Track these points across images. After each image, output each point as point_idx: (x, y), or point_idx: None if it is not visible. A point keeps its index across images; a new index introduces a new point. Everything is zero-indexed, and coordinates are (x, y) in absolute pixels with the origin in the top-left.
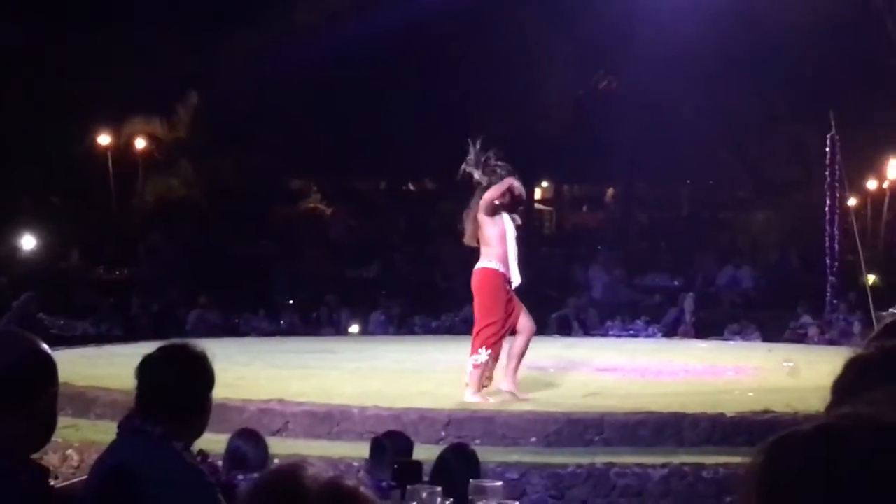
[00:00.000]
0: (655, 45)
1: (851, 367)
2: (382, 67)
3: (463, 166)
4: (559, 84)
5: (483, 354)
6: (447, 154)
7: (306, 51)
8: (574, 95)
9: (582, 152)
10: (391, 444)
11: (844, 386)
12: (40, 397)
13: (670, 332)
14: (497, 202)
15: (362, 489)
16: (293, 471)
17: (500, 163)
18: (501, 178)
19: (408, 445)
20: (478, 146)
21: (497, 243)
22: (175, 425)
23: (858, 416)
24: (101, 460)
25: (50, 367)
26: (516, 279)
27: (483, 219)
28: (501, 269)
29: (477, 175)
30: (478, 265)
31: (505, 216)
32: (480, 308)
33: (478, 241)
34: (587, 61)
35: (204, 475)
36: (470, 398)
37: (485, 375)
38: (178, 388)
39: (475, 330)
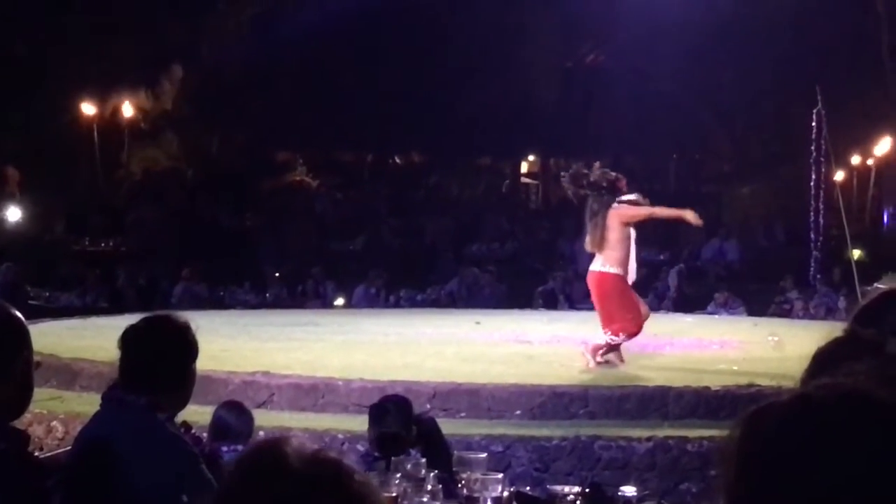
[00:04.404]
0: (642, 19)
1: (837, 342)
2: (369, 41)
3: (566, 187)
4: (546, 57)
5: (621, 338)
6: (434, 127)
7: (293, 23)
8: (561, 69)
9: (569, 126)
10: (394, 408)
11: (825, 358)
12: (14, 362)
13: (656, 305)
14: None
15: (346, 462)
16: (276, 445)
17: (599, 179)
18: (603, 193)
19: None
20: (574, 170)
21: (620, 247)
22: (158, 396)
23: (836, 386)
24: (85, 431)
25: (21, 331)
26: (632, 278)
27: (616, 225)
28: (619, 272)
29: (570, 193)
30: (595, 268)
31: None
32: (608, 311)
33: (599, 245)
34: (574, 35)
35: (187, 445)
36: (591, 364)
37: (618, 356)
38: (161, 359)
39: (609, 322)
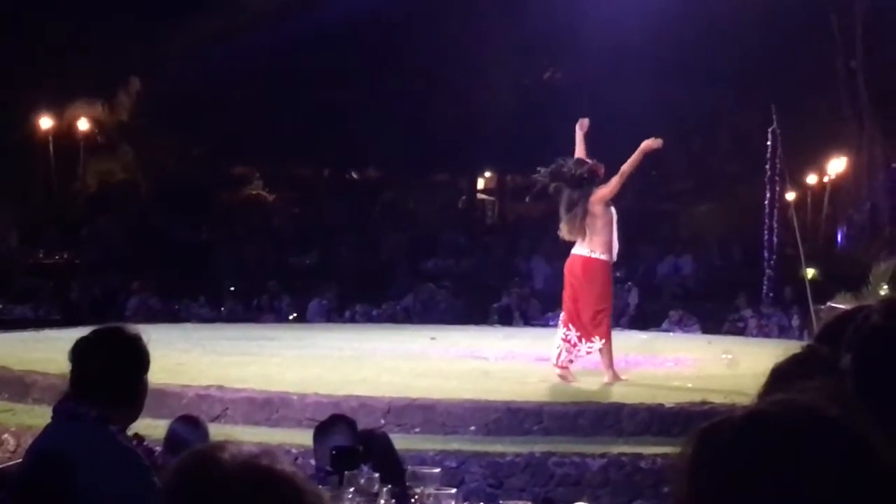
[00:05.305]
0: (601, 37)
1: (794, 359)
2: (327, 56)
3: (540, 179)
4: (504, 74)
5: (597, 342)
6: (391, 143)
7: (252, 38)
8: (519, 86)
9: (526, 143)
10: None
11: (782, 375)
12: None
13: (614, 322)
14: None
15: (279, 467)
16: (209, 450)
17: (574, 169)
18: (581, 181)
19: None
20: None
21: (605, 231)
22: (110, 408)
23: (788, 403)
24: (36, 443)
25: None
26: (614, 258)
27: (600, 210)
28: (606, 258)
29: (545, 180)
30: (582, 252)
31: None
32: (589, 296)
33: (579, 234)
34: (532, 52)
35: (139, 458)
36: (610, 379)
37: (570, 373)
38: (111, 371)
39: (583, 315)
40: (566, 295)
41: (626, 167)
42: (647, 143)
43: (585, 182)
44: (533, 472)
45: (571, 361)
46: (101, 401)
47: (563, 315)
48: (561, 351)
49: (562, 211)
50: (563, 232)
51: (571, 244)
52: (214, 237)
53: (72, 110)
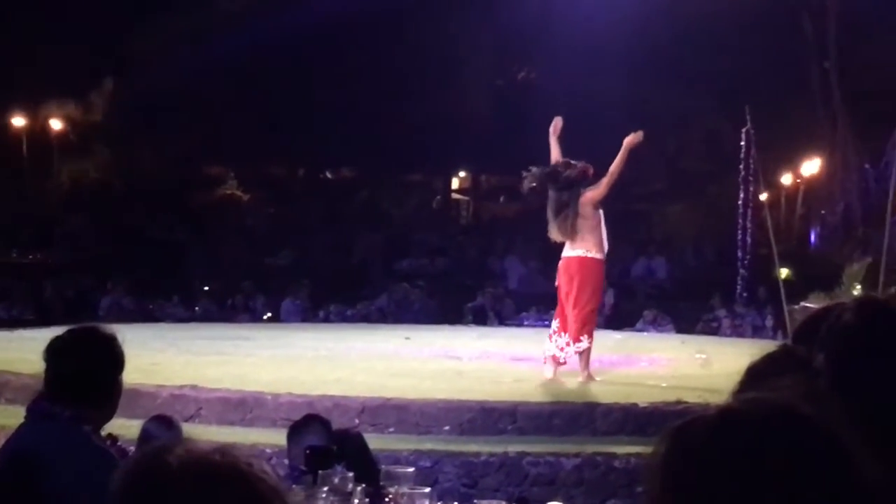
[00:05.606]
0: (575, 37)
1: (769, 357)
2: (301, 55)
3: (528, 182)
4: (479, 74)
5: (585, 342)
6: (365, 143)
7: (226, 38)
8: (494, 86)
9: (500, 143)
10: (319, 426)
11: (757, 373)
12: None
13: None
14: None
15: (232, 463)
16: (156, 452)
17: (566, 171)
18: (573, 183)
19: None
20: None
21: (598, 231)
22: (84, 408)
23: (760, 400)
24: (9, 443)
25: None
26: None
27: (590, 211)
28: (601, 257)
29: (532, 184)
30: (577, 253)
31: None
32: (582, 295)
33: (570, 236)
34: (507, 52)
35: (114, 458)
36: (585, 379)
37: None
38: (86, 371)
39: (572, 315)
40: (560, 297)
41: (614, 167)
42: (630, 140)
43: (575, 184)
44: (507, 471)
45: (560, 362)
46: (75, 401)
47: (557, 320)
48: (550, 349)
49: (550, 213)
50: (553, 234)
51: (550, 245)
52: (188, 237)
53: (45, 109)
